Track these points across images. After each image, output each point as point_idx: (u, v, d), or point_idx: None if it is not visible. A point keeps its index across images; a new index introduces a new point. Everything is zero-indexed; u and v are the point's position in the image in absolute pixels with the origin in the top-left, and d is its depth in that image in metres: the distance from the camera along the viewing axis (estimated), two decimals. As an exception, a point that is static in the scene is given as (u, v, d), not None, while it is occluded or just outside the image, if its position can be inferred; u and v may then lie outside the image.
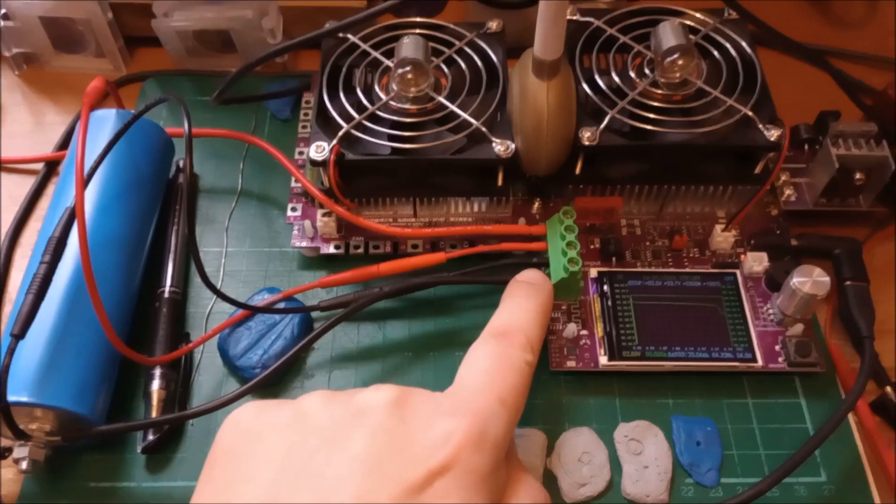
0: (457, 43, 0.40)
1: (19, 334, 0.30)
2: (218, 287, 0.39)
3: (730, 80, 0.38)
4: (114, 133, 0.35)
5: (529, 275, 0.34)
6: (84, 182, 0.30)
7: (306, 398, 0.27)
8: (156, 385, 0.35)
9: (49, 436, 0.32)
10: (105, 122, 0.38)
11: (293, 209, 0.41)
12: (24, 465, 0.32)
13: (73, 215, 0.32)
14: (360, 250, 0.39)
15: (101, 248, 0.35)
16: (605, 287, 0.37)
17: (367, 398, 0.26)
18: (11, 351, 0.29)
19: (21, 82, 0.48)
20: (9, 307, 0.39)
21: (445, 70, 0.39)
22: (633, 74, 0.38)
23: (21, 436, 0.31)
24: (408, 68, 0.36)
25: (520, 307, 0.31)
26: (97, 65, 0.48)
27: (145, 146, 0.39)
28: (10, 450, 0.32)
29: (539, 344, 0.30)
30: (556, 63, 0.34)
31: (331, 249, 0.39)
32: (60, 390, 0.32)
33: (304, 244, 0.39)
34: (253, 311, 0.36)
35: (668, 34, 0.37)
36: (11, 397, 0.30)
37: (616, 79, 0.38)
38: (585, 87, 0.38)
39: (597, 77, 0.38)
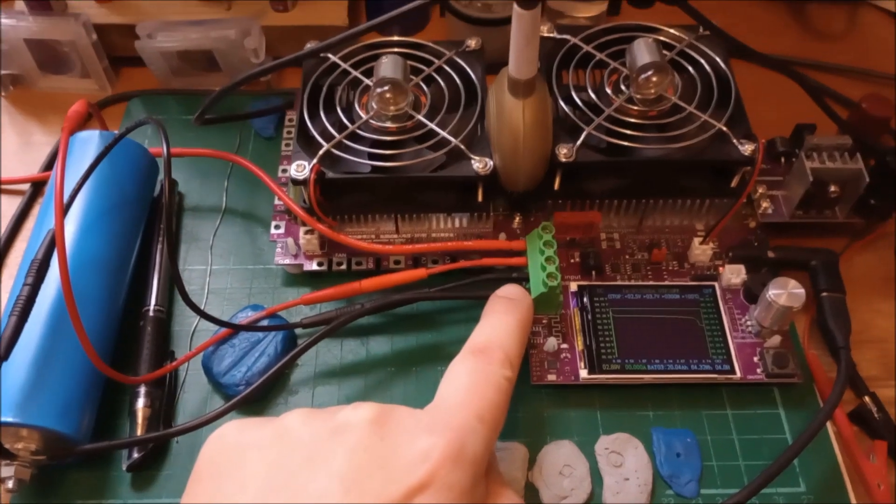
0: (436, 61, 0.40)
1: (3, 356, 0.30)
2: (202, 305, 0.40)
3: (704, 96, 0.38)
4: (97, 154, 0.35)
5: (509, 290, 0.34)
6: (63, 207, 0.31)
7: (288, 416, 0.27)
8: (140, 403, 0.35)
9: (34, 455, 0.32)
10: (88, 143, 0.39)
11: (277, 227, 0.41)
12: (9, 484, 0.32)
13: (55, 238, 0.33)
14: (343, 267, 0.40)
15: (83, 269, 0.35)
16: (585, 301, 0.38)
17: (347, 416, 0.26)
18: (-5, 372, 0.30)
19: (7, 103, 0.49)
20: (-5, 327, 0.39)
21: (425, 88, 0.40)
22: (609, 91, 0.39)
23: (6, 455, 0.31)
24: (386, 87, 0.37)
25: (499, 323, 0.32)
26: (83, 85, 0.48)
27: (128, 167, 0.40)
28: (-5, 469, 0.32)
29: (518, 359, 0.31)
30: (530, 82, 0.35)
31: (314, 266, 0.40)
32: (45, 410, 0.32)
33: (287, 261, 0.40)
34: (235, 329, 0.37)
35: (642, 51, 0.37)
36: (-5, 418, 0.30)
37: (592, 95, 0.39)
38: (562, 103, 0.38)
39: (573, 94, 0.39)
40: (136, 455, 0.34)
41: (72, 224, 0.36)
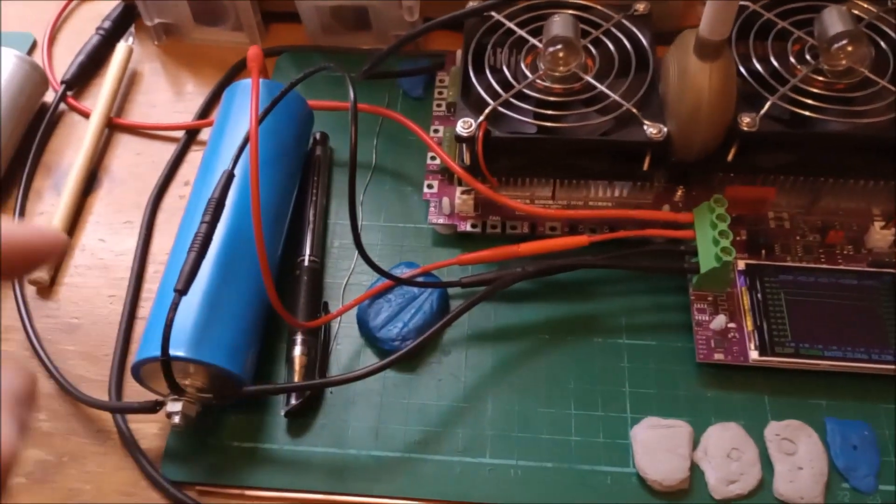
0: (603, 24, 0.39)
1: (183, 290, 0.30)
2: (353, 260, 0.39)
3: (899, 71, 0.36)
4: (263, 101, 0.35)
5: None
6: (258, 147, 0.31)
7: None
8: (298, 351, 0.35)
9: (199, 393, 0.33)
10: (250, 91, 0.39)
11: (429, 186, 0.40)
12: (176, 419, 0.32)
13: (230, 178, 0.33)
14: (497, 230, 0.39)
15: (249, 215, 0.35)
16: (755, 280, 0.36)
17: None
18: (175, 305, 0.30)
19: (160, 52, 0.49)
20: (152, 267, 0.40)
21: (593, 51, 0.38)
22: (793, 61, 0.37)
23: (177, 390, 0.32)
24: (559, 46, 0.36)
25: None
26: (234, 38, 0.49)
27: (290, 117, 0.40)
28: (162, 403, 0.33)
29: None
30: (721, 45, 0.33)
31: (468, 228, 0.39)
32: (215, 348, 0.32)
33: (440, 221, 0.39)
34: (398, 282, 0.36)
35: (834, 20, 0.35)
36: (170, 352, 0.30)
37: (776, 64, 0.37)
38: (743, 71, 0.36)
39: (755, 62, 0.37)
40: (293, 401, 0.34)
41: (240, 169, 0.36)
